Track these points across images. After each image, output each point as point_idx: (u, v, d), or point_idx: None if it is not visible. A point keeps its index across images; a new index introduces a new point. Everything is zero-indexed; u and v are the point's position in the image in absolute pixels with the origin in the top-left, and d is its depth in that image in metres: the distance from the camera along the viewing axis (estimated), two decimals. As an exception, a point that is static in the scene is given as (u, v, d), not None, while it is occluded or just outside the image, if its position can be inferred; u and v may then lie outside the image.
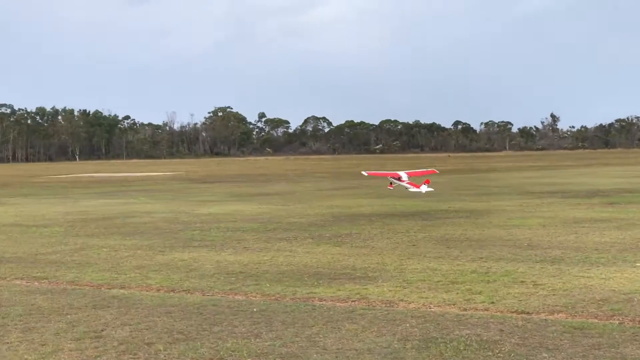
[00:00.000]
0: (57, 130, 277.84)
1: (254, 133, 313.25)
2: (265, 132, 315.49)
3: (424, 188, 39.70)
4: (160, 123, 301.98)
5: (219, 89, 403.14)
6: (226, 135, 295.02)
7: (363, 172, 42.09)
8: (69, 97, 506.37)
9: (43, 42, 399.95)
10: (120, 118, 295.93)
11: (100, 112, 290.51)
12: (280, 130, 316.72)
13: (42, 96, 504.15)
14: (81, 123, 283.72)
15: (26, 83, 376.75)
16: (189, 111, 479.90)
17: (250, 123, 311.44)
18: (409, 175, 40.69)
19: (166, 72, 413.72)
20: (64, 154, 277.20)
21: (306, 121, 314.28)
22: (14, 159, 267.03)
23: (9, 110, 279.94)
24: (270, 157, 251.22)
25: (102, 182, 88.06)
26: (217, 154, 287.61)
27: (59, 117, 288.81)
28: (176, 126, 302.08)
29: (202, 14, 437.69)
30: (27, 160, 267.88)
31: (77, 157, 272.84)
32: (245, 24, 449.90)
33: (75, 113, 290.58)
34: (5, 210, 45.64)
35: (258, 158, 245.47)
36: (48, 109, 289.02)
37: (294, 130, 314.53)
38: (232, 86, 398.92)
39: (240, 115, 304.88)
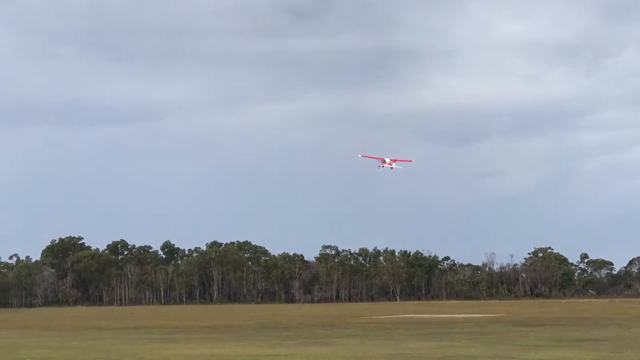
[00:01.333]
0: (378, 271, 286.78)
1: (576, 274, 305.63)
2: (587, 274, 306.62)
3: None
4: (480, 264, 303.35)
5: (539, 229, 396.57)
6: (547, 276, 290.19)
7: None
8: (389, 238, 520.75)
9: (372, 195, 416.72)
10: (440, 259, 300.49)
11: (420, 253, 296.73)
12: (604, 271, 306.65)
13: (364, 238, 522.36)
14: (402, 264, 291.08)
15: (348, 227, 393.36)
16: (508, 252, 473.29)
17: (571, 264, 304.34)
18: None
19: (485, 212, 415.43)
20: (385, 294, 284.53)
21: (631, 262, 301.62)
22: (338, 298, 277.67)
23: (333, 252, 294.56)
24: (593, 300, 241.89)
25: (424, 323, 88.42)
26: (538, 296, 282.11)
27: (381, 258, 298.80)
28: (495, 267, 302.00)
29: (522, 155, 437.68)
30: (350, 299, 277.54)
31: (397, 297, 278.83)
32: (566, 163, 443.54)
33: (396, 254, 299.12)
34: (332, 352, 46.75)
35: (581, 300, 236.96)
36: (370, 250, 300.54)
37: (618, 272, 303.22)
38: (552, 226, 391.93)
39: (561, 256, 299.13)
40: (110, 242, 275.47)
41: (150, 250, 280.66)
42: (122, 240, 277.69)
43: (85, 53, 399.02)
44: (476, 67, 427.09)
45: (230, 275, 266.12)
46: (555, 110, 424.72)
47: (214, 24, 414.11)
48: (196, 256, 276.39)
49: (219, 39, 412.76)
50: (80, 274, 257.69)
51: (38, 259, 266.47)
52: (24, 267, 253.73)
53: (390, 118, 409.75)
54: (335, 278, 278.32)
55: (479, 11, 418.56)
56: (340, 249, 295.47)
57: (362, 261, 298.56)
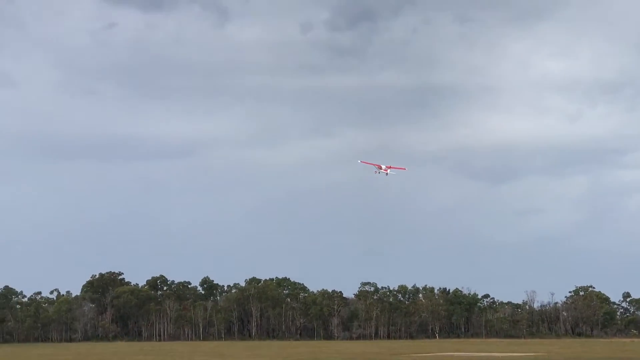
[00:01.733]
0: (417, 308, 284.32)
1: (618, 313, 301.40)
2: (630, 313, 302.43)
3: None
4: (520, 302, 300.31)
5: (580, 268, 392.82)
6: (588, 315, 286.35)
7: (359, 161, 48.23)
8: (428, 275, 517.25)
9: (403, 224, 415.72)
10: (479, 296, 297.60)
11: (460, 290, 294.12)
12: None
13: (403, 274, 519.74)
14: (441, 301, 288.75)
15: (387, 263, 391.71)
16: (549, 290, 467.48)
17: (614, 303, 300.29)
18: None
19: (525, 249, 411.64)
20: (424, 331, 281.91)
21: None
22: (376, 335, 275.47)
23: (372, 289, 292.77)
24: (636, 339, 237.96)
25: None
26: (579, 335, 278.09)
27: (420, 295, 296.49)
28: (536, 305, 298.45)
29: (563, 192, 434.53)
30: (388, 337, 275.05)
31: (437, 334, 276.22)
32: (607, 200, 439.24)
33: (436, 291, 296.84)
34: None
35: (623, 340, 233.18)
36: (409, 287, 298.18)
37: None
38: (593, 264, 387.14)
39: (603, 294, 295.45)
40: (150, 278, 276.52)
41: (189, 286, 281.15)
42: (162, 276, 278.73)
43: (125, 90, 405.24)
44: (516, 105, 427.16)
45: (269, 311, 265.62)
46: (595, 148, 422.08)
47: (254, 60, 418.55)
48: (235, 292, 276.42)
49: (259, 76, 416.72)
50: (120, 309, 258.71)
51: (78, 294, 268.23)
52: (64, 302, 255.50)
53: (430, 155, 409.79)
54: (374, 315, 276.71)
55: (519, 49, 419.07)
56: (379, 285, 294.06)
57: (401, 298, 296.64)
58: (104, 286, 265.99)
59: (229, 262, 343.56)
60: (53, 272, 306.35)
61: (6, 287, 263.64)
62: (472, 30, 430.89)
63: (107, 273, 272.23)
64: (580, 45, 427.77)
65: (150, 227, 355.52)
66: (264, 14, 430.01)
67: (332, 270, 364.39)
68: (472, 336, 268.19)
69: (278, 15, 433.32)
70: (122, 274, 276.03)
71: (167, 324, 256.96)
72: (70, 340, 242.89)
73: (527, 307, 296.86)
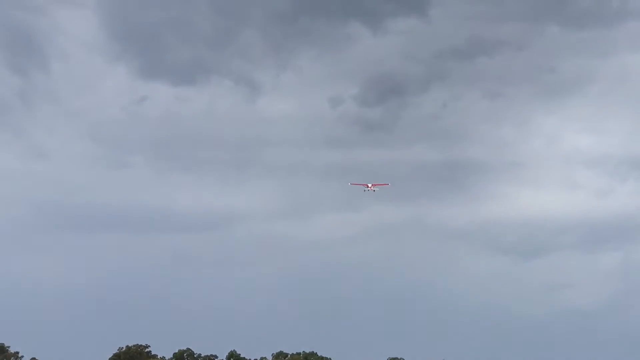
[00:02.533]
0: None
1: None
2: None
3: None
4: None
5: (612, 344, 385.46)
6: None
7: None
8: (458, 349, 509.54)
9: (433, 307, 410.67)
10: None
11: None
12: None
13: (432, 348, 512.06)
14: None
15: (415, 337, 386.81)
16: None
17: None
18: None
19: (556, 325, 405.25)
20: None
21: None
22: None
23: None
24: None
25: None
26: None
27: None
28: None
29: (592, 269, 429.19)
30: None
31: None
32: (637, 279, 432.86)
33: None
34: None
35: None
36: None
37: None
38: (625, 341, 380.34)
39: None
40: (177, 351, 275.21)
41: (216, 359, 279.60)
42: (188, 349, 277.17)
43: (156, 162, 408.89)
44: (546, 180, 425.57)
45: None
46: (626, 224, 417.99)
47: (284, 134, 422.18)
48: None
49: (289, 149, 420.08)
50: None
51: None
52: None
53: (459, 229, 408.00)
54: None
55: (549, 124, 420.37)
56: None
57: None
58: (131, 359, 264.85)
59: (255, 335, 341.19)
60: (80, 344, 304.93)
61: (33, 359, 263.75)
62: (502, 105, 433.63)
63: (133, 346, 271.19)
64: (610, 121, 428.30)
65: (177, 299, 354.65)
66: (294, 88, 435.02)
67: (360, 344, 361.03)
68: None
69: (308, 90, 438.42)
70: (149, 346, 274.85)
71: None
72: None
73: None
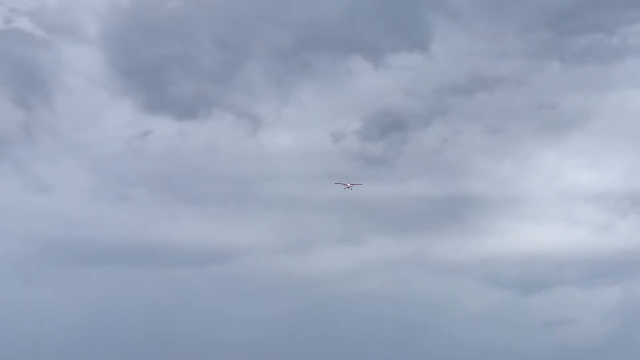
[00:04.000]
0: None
1: None
2: None
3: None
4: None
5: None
6: None
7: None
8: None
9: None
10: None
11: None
12: None
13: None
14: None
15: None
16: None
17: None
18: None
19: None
20: None
21: None
22: None
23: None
24: None
25: None
26: None
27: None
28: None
29: (592, 305, 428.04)
30: None
31: None
32: (638, 314, 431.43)
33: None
34: None
35: None
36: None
37: None
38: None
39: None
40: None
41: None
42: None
43: (158, 196, 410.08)
44: (546, 215, 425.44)
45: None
46: (627, 259, 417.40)
47: (285, 168, 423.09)
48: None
49: (290, 184, 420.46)
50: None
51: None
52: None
53: (458, 264, 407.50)
54: None
55: (549, 159, 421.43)
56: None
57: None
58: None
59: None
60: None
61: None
62: (502, 140, 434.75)
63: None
64: (610, 156, 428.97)
65: (176, 334, 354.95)
66: (295, 123, 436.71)
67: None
68: None
69: (310, 125, 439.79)
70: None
71: None
72: None
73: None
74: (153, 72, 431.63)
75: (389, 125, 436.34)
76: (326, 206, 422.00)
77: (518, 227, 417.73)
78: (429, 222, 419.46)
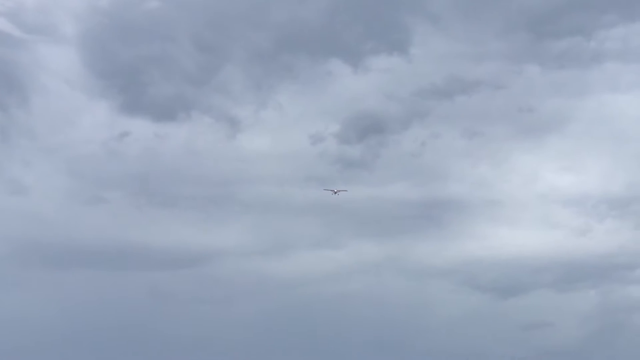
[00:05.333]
0: None
1: None
2: None
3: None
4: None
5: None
6: None
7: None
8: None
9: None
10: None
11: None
12: None
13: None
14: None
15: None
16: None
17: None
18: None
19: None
20: None
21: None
22: None
23: None
24: None
25: None
26: None
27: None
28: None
29: (571, 308, 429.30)
30: None
31: None
32: (615, 317, 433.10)
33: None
34: None
35: None
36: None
37: None
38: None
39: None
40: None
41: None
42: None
43: (134, 199, 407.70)
44: (523, 218, 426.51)
45: None
46: (604, 263, 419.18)
47: (263, 171, 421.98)
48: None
49: (268, 186, 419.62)
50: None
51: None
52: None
53: (436, 268, 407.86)
54: None
55: (526, 163, 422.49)
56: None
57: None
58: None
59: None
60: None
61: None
62: (480, 144, 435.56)
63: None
64: (588, 160, 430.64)
65: (153, 337, 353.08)
66: (274, 126, 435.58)
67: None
68: None
69: (288, 128, 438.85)
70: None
71: None
72: None
73: None
74: (131, 74, 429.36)
75: (368, 128, 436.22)
76: (305, 209, 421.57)
77: (496, 231, 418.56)
78: (407, 225, 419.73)
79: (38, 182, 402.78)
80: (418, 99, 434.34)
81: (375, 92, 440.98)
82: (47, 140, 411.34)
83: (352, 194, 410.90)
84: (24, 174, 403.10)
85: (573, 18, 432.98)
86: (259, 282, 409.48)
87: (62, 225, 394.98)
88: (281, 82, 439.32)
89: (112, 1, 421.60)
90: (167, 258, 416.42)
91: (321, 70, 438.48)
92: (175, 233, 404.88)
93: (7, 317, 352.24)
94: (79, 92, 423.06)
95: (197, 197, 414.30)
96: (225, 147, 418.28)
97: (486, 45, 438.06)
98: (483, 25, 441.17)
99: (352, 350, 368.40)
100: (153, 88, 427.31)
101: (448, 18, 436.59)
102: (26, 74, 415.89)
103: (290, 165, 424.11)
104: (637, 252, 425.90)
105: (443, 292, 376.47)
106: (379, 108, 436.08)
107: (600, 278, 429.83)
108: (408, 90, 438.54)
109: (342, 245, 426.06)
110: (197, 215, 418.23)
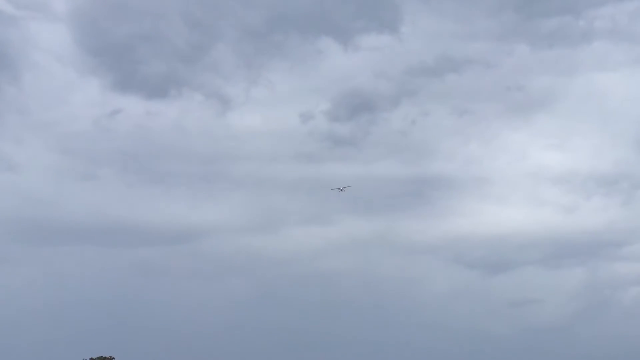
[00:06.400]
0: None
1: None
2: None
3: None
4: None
5: (577, 356, 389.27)
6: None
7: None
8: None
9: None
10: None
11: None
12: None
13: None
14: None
15: (387, 350, 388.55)
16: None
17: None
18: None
19: (521, 341, 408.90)
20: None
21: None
22: None
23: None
24: None
25: None
26: None
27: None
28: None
29: (558, 284, 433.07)
30: None
31: None
32: (602, 294, 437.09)
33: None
34: None
35: None
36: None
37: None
38: (590, 357, 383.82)
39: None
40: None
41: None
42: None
43: (126, 175, 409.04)
44: (512, 196, 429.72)
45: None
46: (591, 240, 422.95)
47: (253, 148, 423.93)
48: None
49: (258, 163, 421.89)
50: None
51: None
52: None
53: (425, 244, 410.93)
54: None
55: (515, 140, 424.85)
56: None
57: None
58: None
59: (224, 349, 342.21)
60: (44, 356, 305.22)
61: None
62: (470, 122, 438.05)
63: (97, 358, 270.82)
64: (576, 138, 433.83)
65: (144, 313, 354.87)
66: (264, 103, 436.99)
67: (330, 357, 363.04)
68: None
69: (279, 106, 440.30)
70: (114, 358, 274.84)
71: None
72: None
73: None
74: (122, 51, 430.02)
75: (358, 107, 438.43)
76: (295, 186, 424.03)
77: (484, 208, 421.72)
78: (396, 202, 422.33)
79: (29, 159, 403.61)
80: (408, 77, 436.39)
81: (366, 70, 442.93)
82: (39, 117, 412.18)
83: (341, 171, 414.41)
84: (15, 151, 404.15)
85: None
86: (250, 259, 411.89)
87: (53, 202, 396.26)
88: (272, 61, 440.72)
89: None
90: (158, 235, 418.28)
91: (312, 48, 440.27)
92: (166, 210, 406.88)
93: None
94: (71, 69, 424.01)
95: (188, 174, 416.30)
96: (216, 125, 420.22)
97: (476, 25, 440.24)
98: (473, 5, 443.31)
99: (342, 325, 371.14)
100: (144, 66, 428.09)
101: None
102: (17, 51, 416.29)
103: (280, 143, 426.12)
104: (624, 229, 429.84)
105: (432, 269, 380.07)
106: (369, 86, 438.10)
107: (588, 255, 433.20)
108: (398, 68, 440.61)
109: (332, 222, 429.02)
110: (187, 192, 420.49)
